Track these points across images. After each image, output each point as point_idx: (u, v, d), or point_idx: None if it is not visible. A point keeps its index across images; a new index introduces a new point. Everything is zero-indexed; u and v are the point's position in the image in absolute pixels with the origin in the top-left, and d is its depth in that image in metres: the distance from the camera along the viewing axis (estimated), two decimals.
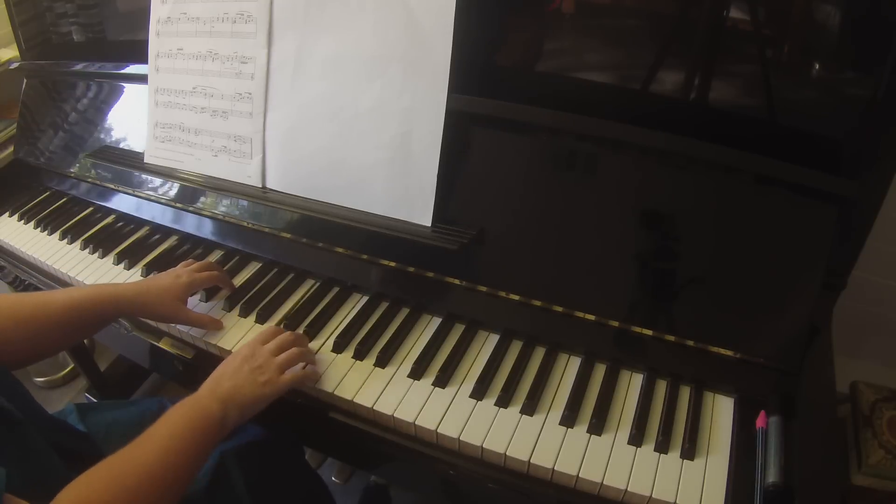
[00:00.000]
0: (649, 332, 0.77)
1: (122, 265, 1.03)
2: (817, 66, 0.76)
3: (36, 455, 0.64)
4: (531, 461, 0.69)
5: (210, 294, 0.94)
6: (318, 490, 1.01)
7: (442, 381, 0.78)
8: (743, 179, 0.76)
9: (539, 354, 0.82)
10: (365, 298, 0.92)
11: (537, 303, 0.81)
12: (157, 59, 1.03)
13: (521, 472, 0.71)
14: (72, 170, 1.20)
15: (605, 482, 0.67)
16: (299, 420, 0.84)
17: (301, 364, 0.80)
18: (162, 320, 0.90)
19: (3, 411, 0.62)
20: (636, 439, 0.71)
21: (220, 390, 0.71)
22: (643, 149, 0.78)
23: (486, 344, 0.84)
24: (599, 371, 0.80)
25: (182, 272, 0.89)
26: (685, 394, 0.77)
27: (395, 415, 0.75)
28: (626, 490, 0.66)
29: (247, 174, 0.98)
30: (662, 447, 0.70)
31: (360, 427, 0.77)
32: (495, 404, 0.75)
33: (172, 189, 1.06)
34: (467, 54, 0.81)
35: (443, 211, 0.85)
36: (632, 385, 0.78)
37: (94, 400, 1.57)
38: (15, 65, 1.30)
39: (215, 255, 1.03)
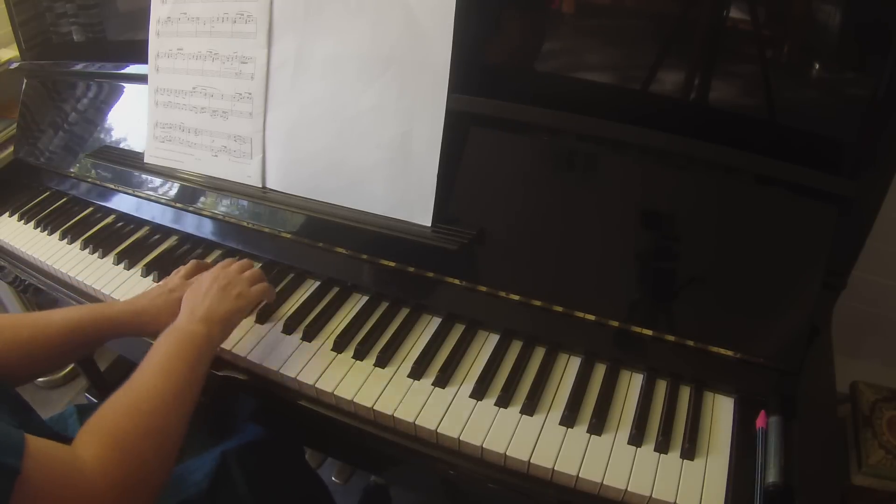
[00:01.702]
0: (649, 332, 0.77)
1: (122, 265, 1.03)
2: (817, 66, 0.76)
3: None
4: (531, 461, 0.69)
5: None
6: (318, 490, 1.01)
7: (442, 381, 0.78)
8: (743, 179, 0.76)
9: (539, 354, 0.82)
10: (365, 298, 0.92)
11: (537, 303, 0.82)
12: (157, 59, 1.03)
13: (521, 472, 0.71)
14: (72, 170, 1.20)
15: (605, 482, 0.67)
16: (299, 420, 0.84)
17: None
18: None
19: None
20: (636, 439, 0.71)
21: (197, 313, 0.75)
22: (643, 149, 0.78)
23: (486, 344, 0.84)
24: (599, 371, 0.80)
25: (174, 285, 0.87)
26: (685, 394, 0.77)
27: (395, 415, 0.75)
28: (626, 490, 0.66)
29: (247, 174, 0.98)
30: (662, 447, 0.70)
31: (360, 427, 0.77)
32: (495, 404, 0.75)
33: (172, 189, 1.06)
34: (467, 54, 0.81)
35: (443, 211, 0.85)
36: (632, 385, 0.78)
37: (95, 400, 1.57)
38: (15, 65, 1.30)
39: (215, 256, 1.03)
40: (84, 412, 0.85)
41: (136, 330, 0.84)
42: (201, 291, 0.79)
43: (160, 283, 0.91)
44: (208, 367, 0.72)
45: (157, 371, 0.66)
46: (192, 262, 0.93)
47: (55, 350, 0.76)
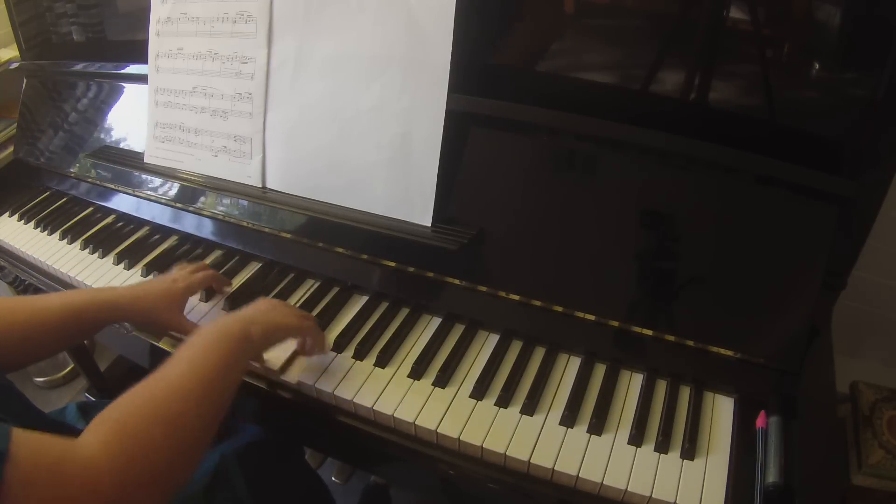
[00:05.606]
0: (649, 332, 0.77)
1: (122, 265, 1.03)
2: (817, 66, 0.76)
3: None
4: (531, 461, 0.69)
5: (210, 293, 0.94)
6: (318, 490, 1.01)
7: (442, 381, 0.78)
8: (743, 179, 0.76)
9: (539, 354, 0.82)
10: (365, 298, 0.92)
11: (537, 303, 0.81)
12: (157, 59, 1.03)
13: (521, 472, 0.71)
14: (72, 170, 1.20)
15: (605, 482, 0.67)
16: (299, 420, 0.84)
17: None
18: (158, 327, 0.89)
19: None
20: (636, 439, 0.71)
21: (240, 314, 0.74)
22: (643, 149, 0.78)
23: (486, 344, 0.84)
24: (599, 371, 0.80)
25: (178, 276, 0.88)
26: (685, 394, 0.76)
27: (395, 415, 0.75)
28: (627, 490, 0.66)
29: (247, 174, 0.98)
30: (662, 447, 0.70)
31: (359, 427, 0.77)
32: (495, 404, 0.75)
33: (172, 189, 1.06)
34: (467, 54, 0.81)
35: (443, 211, 0.85)
36: (632, 385, 0.78)
37: (94, 400, 1.57)
38: (15, 65, 1.30)
39: (215, 255, 1.03)
40: (85, 409, 0.85)
41: (136, 316, 0.84)
42: (253, 306, 0.77)
43: (164, 273, 0.91)
44: (242, 367, 0.68)
45: (185, 367, 0.61)
46: (202, 264, 0.94)
47: (52, 333, 0.75)
